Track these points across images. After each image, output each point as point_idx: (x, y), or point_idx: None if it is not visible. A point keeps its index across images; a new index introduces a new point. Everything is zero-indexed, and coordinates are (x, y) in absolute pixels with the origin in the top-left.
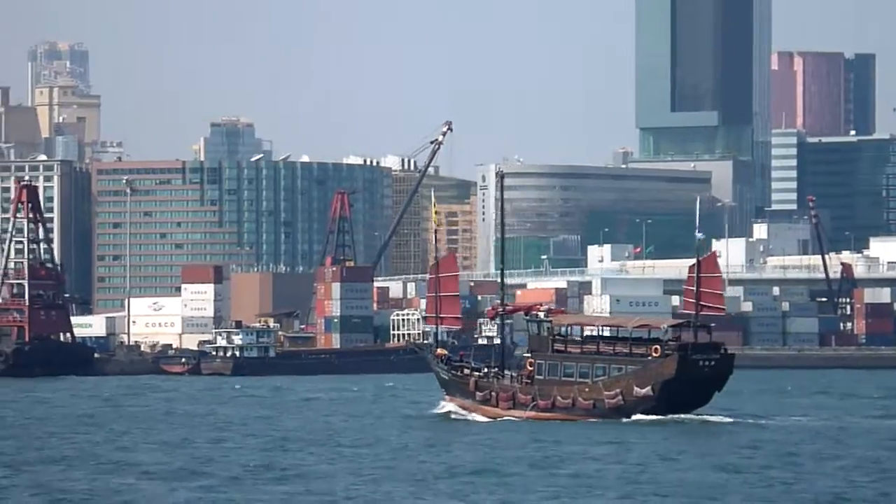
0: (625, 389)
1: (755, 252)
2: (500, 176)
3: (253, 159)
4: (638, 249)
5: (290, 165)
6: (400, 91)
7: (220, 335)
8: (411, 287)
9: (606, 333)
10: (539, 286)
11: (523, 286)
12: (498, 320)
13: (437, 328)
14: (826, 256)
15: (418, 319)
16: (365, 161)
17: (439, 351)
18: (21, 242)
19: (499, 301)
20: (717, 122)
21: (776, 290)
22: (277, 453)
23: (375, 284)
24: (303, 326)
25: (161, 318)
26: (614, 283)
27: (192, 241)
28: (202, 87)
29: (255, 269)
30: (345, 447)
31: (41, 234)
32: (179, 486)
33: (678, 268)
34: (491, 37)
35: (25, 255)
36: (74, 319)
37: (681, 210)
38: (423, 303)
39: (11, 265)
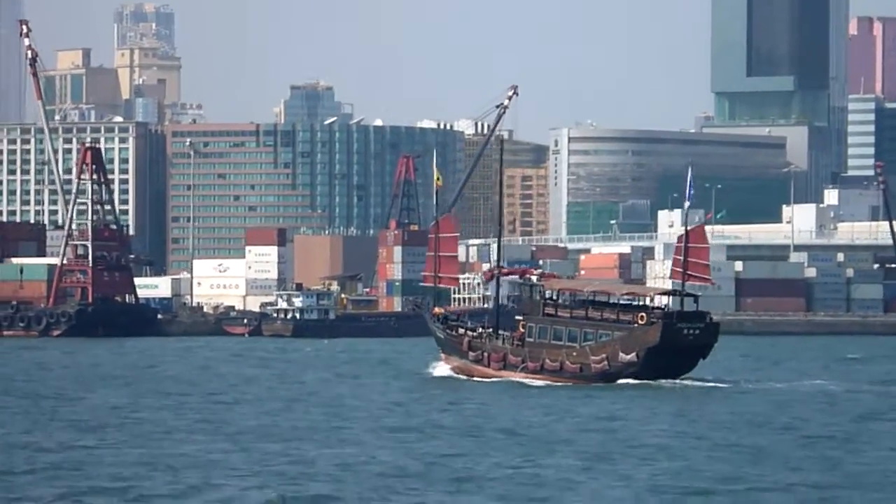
0: (610, 355)
1: (825, 218)
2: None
3: (327, 122)
4: (710, 215)
5: (363, 129)
6: (477, 54)
7: (282, 297)
8: (473, 251)
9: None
10: (603, 251)
11: (587, 251)
12: (494, 282)
13: (435, 287)
14: (894, 223)
15: (478, 283)
16: (438, 125)
17: (436, 310)
18: (85, 204)
19: (498, 264)
20: (793, 87)
21: (841, 257)
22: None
23: None
24: (367, 290)
25: (226, 280)
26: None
27: (264, 204)
28: (283, 50)
29: (326, 233)
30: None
31: (105, 196)
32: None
33: (748, 233)
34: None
35: (89, 217)
36: (141, 280)
37: (755, 175)
38: (484, 267)
39: (75, 227)
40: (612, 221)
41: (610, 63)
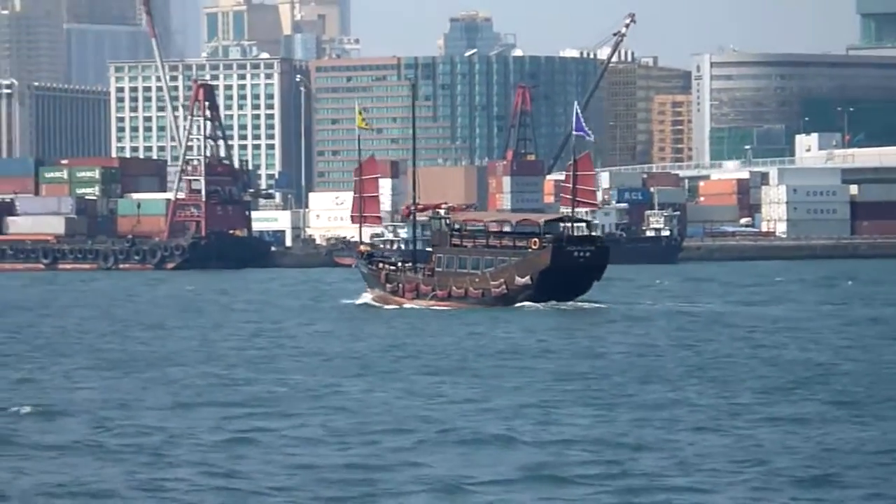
0: (508, 279)
1: None
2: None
3: (467, 54)
4: (847, 137)
5: (502, 59)
6: None
7: (388, 229)
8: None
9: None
10: (722, 177)
11: (707, 178)
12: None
13: (360, 227)
14: None
15: (587, 212)
16: (581, 54)
17: (361, 247)
18: (199, 140)
19: (414, 201)
20: None
21: None
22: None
23: (552, 177)
24: None
25: (342, 213)
26: (791, 173)
27: (406, 137)
28: None
29: (462, 164)
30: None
31: (218, 132)
32: None
33: (880, 156)
34: None
35: (202, 152)
36: (261, 214)
37: None
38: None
39: (189, 162)
40: (747, 147)
41: None
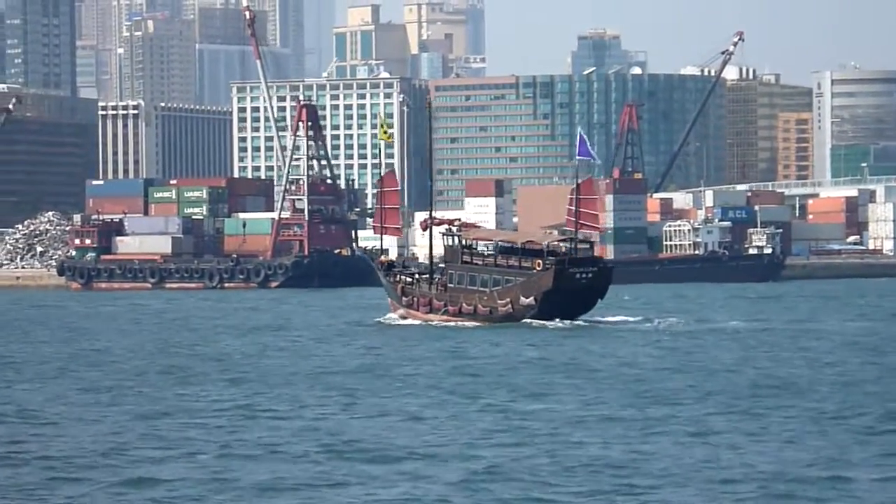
0: (513, 298)
1: None
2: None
3: (585, 73)
4: None
5: (620, 77)
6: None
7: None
8: (689, 198)
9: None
10: (830, 195)
11: (816, 196)
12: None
13: (381, 237)
14: None
15: (689, 230)
16: (701, 71)
17: (382, 258)
18: (300, 160)
19: (430, 215)
20: None
21: None
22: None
23: (658, 195)
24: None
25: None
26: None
27: (525, 155)
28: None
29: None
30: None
31: (322, 152)
32: None
33: None
34: None
35: (305, 172)
36: (367, 234)
37: None
38: (699, 214)
39: (293, 182)
40: (863, 164)
41: (877, 3)
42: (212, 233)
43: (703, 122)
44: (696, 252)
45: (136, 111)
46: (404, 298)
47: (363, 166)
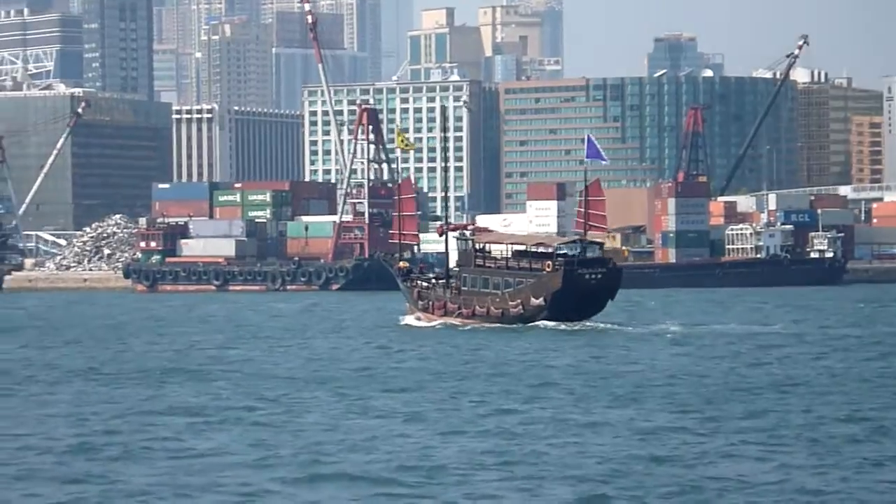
0: (524, 300)
1: None
2: None
3: (656, 75)
4: None
5: (691, 80)
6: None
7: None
8: (752, 201)
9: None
10: (894, 199)
11: (880, 199)
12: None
13: (399, 244)
14: None
15: (750, 234)
16: (774, 74)
17: (401, 264)
18: (363, 163)
19: (445, 220)
20: None
21: None
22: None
23: (722, 199)
24: (651, 241)
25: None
26: None
27: None
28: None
29: (647, 185)
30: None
31: (382, 155)
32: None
33: None
34: None
35: (365, 176)
36: (429, 236)
37: None
38: (762, 217)
39: (354, 186)
40: None
41: None
42: (275, 236)
43: (775, 126)
44: (758, 256)
45: (209, 115)
46: (420, 302)
47: (432, 169)
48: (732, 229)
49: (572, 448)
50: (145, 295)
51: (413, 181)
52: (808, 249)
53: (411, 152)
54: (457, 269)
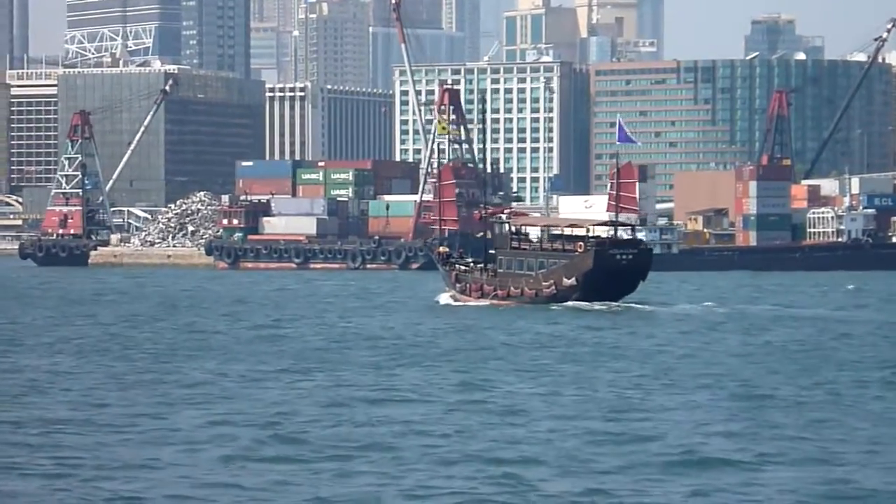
0: (557, 280)
1: None
2: None
3: (748, 57)
4: None
5: (783, 63)
6: None
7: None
8: (835, 185)
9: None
10: None
11: None
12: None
13: (439, 229)
14: None
15: (832, 217)
16: (868, 57)
17: (441, 248)
18: (444, 143)
19: (484, 205)
20: None
21: None
22: None
23: (806, 182)
24: (732, 224)
25: (590, 215)
26: None
27: (685, 140)
28: None
29: (733, 167)
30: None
31: (463, 136)
32: None
33: None
34: None
35: (447, 155)
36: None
37: None
38: (845, 201)
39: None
40: None
41: None
42: (356, 214)
43: (868, 109)
44: (840, 240)
45: (302, 93)
46: (458, 285)
47: (522, 150)
48: (814, 213)
49: None
50: (228, 272)
51: (498, 163)
52: (890, 234)
53: (501, 132)
54: (493, 252)
